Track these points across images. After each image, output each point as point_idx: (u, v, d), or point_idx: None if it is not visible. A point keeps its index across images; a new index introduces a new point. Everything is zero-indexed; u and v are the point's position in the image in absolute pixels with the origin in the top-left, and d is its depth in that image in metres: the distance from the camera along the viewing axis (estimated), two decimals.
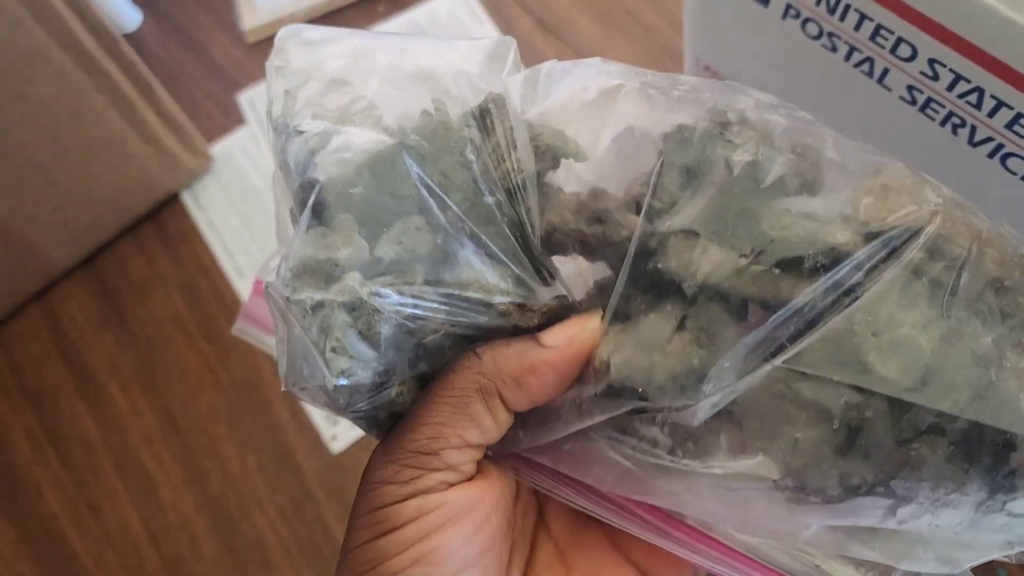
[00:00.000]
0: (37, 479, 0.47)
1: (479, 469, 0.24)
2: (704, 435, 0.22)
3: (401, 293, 0.22)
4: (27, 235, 0.49)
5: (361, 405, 0.23)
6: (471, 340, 0.24)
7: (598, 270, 0.24)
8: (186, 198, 0.54)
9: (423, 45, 0.26)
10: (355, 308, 0.22)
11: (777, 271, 0.21)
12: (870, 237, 0.21)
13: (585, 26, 0.56)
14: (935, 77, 0.30)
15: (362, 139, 0.23)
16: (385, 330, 0.22)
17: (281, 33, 0.27)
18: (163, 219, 0.54)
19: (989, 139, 0.30)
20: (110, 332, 0.51)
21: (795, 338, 0.21)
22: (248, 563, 0.44)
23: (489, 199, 0.23)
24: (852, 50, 0.32)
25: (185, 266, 0.52)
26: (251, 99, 0.57)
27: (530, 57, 0.55)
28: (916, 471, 0.21)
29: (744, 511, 0.23)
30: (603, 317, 0.23)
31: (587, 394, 0.23)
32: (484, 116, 0.24)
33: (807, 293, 0.21)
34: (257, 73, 0.58)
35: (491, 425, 0.23)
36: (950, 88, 0.30)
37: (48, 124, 0.46)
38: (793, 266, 0.21)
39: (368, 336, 0.22)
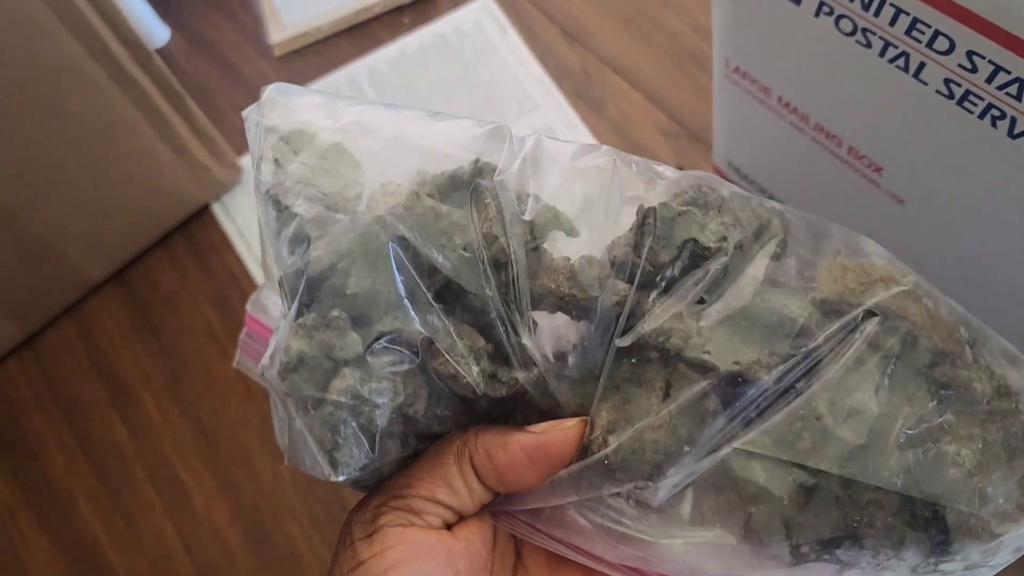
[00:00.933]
0: (71, 490, 0.47)
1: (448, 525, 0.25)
2: (666, 507, 0.24)
3: (394, 384, 0.24)
4: (60, 248, 0.50)
5: (358, 482, 0.25)
6: (460, 421, 0.25)
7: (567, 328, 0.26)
8: (216, 209, 0.54)
9: (419, 125, 0.27)
10: (355, 406, 0.23)
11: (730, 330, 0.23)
12: (827, 312, 0.23)
13: (609, 34, 0.56)
14: (973, 69, 0.29)
15: (355, 229, 0.24)
16: (382, 422, 0.24)
17: (270, 90, 0.28)
18: (193, 230, 0.54)
19: None
20: (142, 343, 0.51)
21: (749, 421, 0.22)
22: (282, 573, 0.43)
23: (478, 278, 0.24)
24: (887, 45, 0.32)
25: (216, 277, 0.52)
26: None
27: (555, 65, 0.56)
28: (858, 541, 0.23)
29: (704, 573, 0.24)
30: (587, 416, 0.24)
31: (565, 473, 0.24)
32: (474, 191, 0.25)
33: (765, 381, 0.22)
34: None
35: (462, 489, 0.25)
36: (989, 80, 0.29)
37: (82, 137, 0.47)
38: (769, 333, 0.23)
39: (367, 429, 0.23)
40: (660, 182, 0.25)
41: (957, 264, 0.37)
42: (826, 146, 0.39)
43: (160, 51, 0.62)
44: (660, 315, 0.23)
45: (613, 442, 0.23)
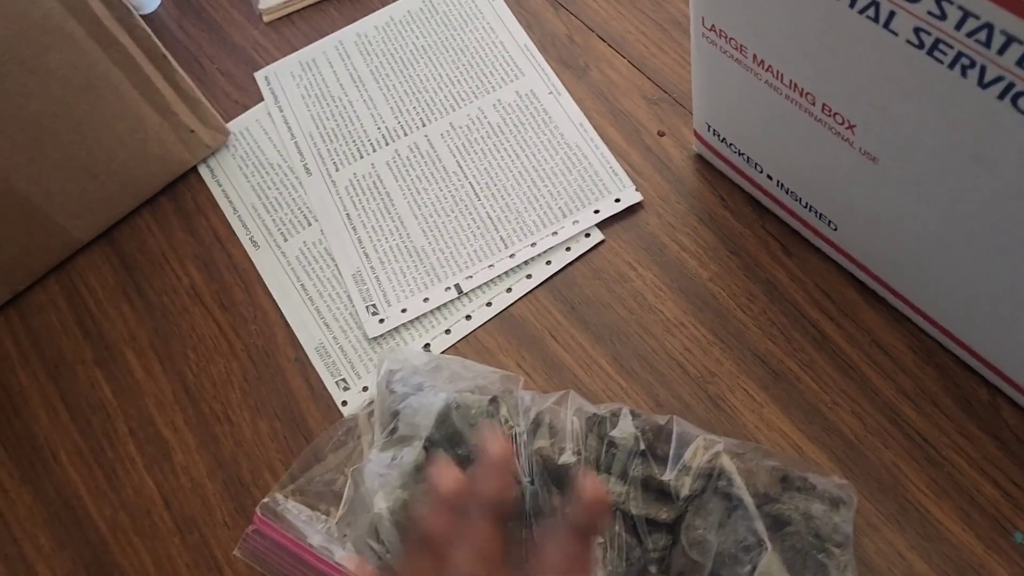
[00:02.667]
0: (54, 445, 0.48)
1: None
2: None
3: None
4: (46, 209, 0.50)
5: None
6: None
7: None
8: (203, 171, 0.55)
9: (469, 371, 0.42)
10: None
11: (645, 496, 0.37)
12: (694, 476, 0.37)
13: (595, 0, 0.56)
14: (943, 16, 0.29)
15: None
16: None
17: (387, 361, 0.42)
18: (179, 192, 0.54)
19: (999, 79, 0.29)
20: (127, 302, 0.51)
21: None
22: None
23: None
24: None
25: (201, 237, 0.53)
26: (267, 77, 0.58)
27: (540, 31, 0.56)
28: None
29: None
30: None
31: None
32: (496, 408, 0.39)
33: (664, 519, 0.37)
34: (273, 51, 0.59)
35: None
36: (958, 27, 0.29)
37: (64, 97, 0.47)
38: (661, 497, 0.37)
39: None
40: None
41: (933, 220, 0.37)
42: (801, 104, 0.39)
43: (150, 16, 0.62)
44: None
45: None
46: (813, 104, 0.38)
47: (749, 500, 0.35)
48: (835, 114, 0.37)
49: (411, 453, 0.38)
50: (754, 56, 0.39)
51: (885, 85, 0.34)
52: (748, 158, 0.45)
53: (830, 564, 0.34)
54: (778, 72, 0.38)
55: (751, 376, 0.43)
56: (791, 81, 0.38)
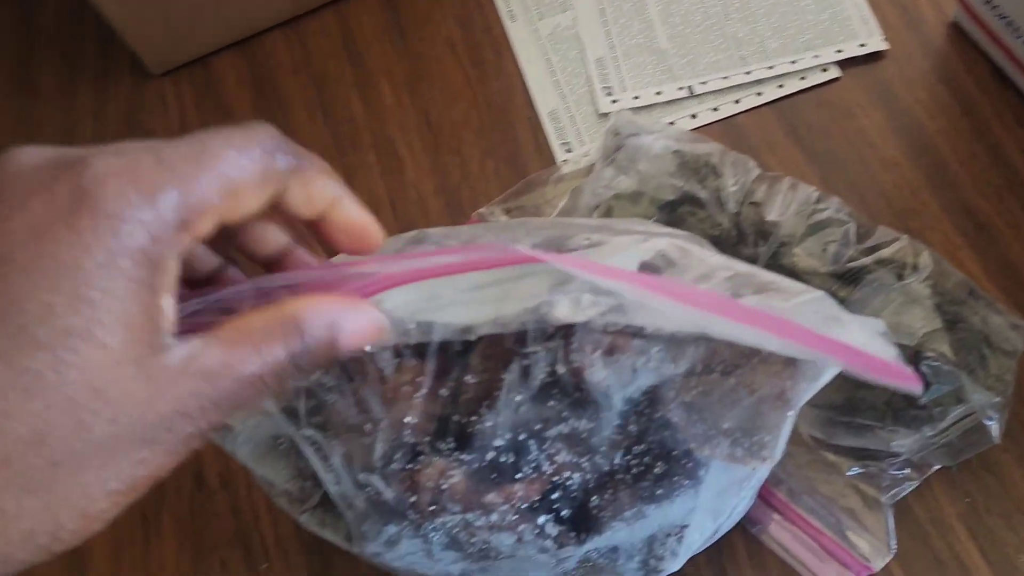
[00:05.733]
0: (306, 142, 0.54)
1: None
2: None
3: None
4: None
5: None
6: None
7: None
8: None
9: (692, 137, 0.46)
10: None
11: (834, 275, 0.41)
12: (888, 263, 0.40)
13: None
14: None
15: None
16: None
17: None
18: None
19: None
20: (390, 42, 0.58)
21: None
22: None
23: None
24: None
25: (465, 2, 0.58)
26: None
27: None
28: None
29: None
30: None
31: None
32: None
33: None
34: None
35: None
36: None
37: None
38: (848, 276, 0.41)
39: None
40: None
41: None
42: None
43: None
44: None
45: None
46: None
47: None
48: None
49: (626, 181, 0.42)
50: None
51: None
52: (1014, 24, 0.46)
53: (992, 361, 0.36)
54: None
55: (954, 223, 0.45)
56: None
